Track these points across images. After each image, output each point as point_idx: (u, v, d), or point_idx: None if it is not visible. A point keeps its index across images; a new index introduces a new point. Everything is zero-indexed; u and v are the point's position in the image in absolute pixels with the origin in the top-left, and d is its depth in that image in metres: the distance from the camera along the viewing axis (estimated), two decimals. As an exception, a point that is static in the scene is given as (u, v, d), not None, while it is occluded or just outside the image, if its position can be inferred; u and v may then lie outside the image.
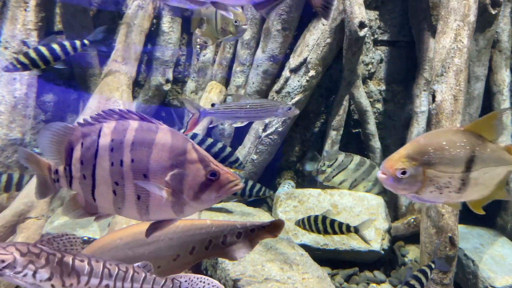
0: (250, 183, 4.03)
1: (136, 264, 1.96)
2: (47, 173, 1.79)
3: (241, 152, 4.46)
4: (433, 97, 3.26)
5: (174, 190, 1.63)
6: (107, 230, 3.53)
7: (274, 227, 2.37)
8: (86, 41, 3.36)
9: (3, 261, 1.71)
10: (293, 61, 4.19)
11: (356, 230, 3.42)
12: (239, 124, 3.12)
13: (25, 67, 3.16)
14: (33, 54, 3.20)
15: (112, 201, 1.69)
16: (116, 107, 1.73)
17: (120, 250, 2.23)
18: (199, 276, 2.02)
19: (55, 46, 3.24)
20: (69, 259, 1.80)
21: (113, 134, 1.66)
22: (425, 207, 3.26)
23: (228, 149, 3.69)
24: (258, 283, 2.94)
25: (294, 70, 4.19)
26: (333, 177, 4.37)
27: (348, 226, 3.44)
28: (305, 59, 4.13)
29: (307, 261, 3.27)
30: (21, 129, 3.84)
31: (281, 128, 4.34)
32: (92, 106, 3.82)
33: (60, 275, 1.78)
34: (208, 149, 3.62)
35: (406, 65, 4.55)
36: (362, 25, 3.68)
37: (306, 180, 4.80)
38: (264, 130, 4.36)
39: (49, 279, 1.77)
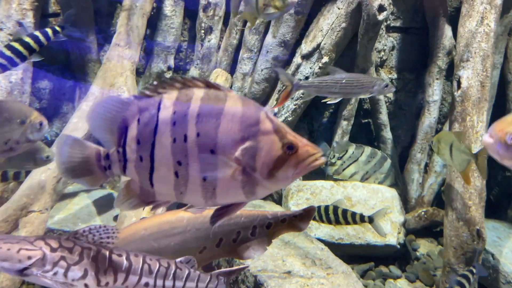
0: None
1: (179, 259, 1.76)
2: (96, 160, 1.52)
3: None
4: (458, 83, 3.12)
5: (245, 168, 1.38)
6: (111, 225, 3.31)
7: (306, 215, 2.20)
8: (57, 28, 3.07)
9: (29, 258, 1.48)
10: (305, 47, 4.01)
11: (371, 220, 3.23)
12: (332, 101, 2.90)
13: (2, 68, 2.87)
14: (7, 52, 2.91)
15: (173, 185, 1.43)
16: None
17: (144, 241, 2.04)
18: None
19: (28, 39, 2.95)
20: (105, 254, 1.60)
21: (175, 106, 1.41)
22: (448, 199, 3.14)
23: None
24: (281, 278, 2.78)
25: (306, 57, 4.00)
26: (344, 169, 4.23)
27: (362, 216, 3.24)
28: (319, 45, 3.95)
29: (329, 255, 3.12)
30: (16, 116, 3.55)
31: (290, 118, 4.17)
32: (95, 92, 3.57)
33: (95, 272, 1.57)
34: None
35: (418, 52, 4.42)
36: (381, 8, 3.53)
37: (312, 172, 4.64)
38: (273, 119, 4.18)
39: (83, 277, 1.55)
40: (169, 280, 1.70)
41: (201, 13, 4.40)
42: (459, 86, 3.14)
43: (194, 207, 2.05)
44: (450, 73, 4.20)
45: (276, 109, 3.27)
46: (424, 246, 4.06)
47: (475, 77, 3.03)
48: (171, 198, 1.48)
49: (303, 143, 1.38)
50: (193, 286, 1.75)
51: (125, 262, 1.62)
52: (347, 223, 3.32)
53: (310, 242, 3.27)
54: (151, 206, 1.55)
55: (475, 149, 3.02)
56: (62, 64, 4.23)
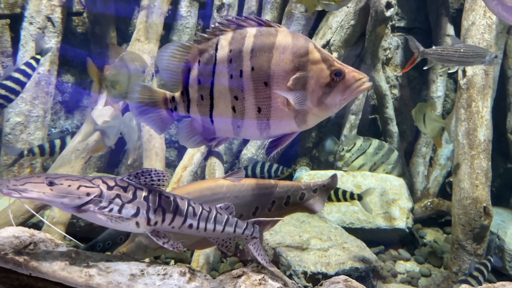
0: (266, 164, 4.00)
1: (219, 205, 1.89)
2: (163, 103, 1.67)
3: (258, 139, 4.45)
4: (464, 72, 3.33)
5: (298, 96, 1.50)
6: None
7: (332, 182, 2.36)
8: (38, 56, 3.30)
9: (88, 194, 1.59)
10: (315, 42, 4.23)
11: (360, 198, 3.38)
12: (450, 70, 3.07)
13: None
14: (2, 92, 3.12)
15: (231, 119, 1.58)
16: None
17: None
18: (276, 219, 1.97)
19: (17, 75, 3.17)
20: (155, 195, 1.70)
21: (231, 45, 1.54)
22: (456, 179, 3.31)
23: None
24: (300, 250, 2.93)
25: (316, 53, 4.22)
26: (352, 161, 4.40)
27: (351, 194, 3.40)
28: (328, 41, 4.17)
29: (343, 233, 3.28)
30: (43, 106, 3.72)
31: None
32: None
33: (146, 211, 1.67)
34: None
35: (422, 52, 4.65)
36: (388, 5, 3.77)
37: (321, 167, 4.81)
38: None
39: (135, 215, 1.66)
40: (211, 223, 1.82)
41: (215, 13, 4.63)
42: (464, 75, 3.35)
43: (234, 175, 2.18)
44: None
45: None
46: (430, 234, 4.21)
47: (479, 66, 3.25)
48: (230, 134, 1.63)
49: (349, 69, 1.52)
50: (231, 230, 1.88)
51: (172, 204, 1.73)
52: (338, 200, 3.47)
53: (324, 222, 3.42)
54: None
55: (481, 132, 3.22)
56: (83, 60, 4.41)
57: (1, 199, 3.13)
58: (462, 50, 2.89)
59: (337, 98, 1.52)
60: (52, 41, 3.84)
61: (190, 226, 1.79)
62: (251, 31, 1.55)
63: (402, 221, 3.80)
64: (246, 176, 3.84)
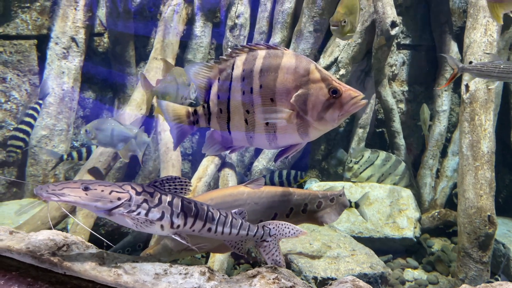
0: (284, 171, 4.16)
1: (234, 210, 2.05)
2: (186, 117, 1.88)
3: (270, 150, 4.62)
4: (467, 87, 3.49)
5: (299, 111, 1.69)
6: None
7: (344, 194, 2.50)
8: (40, 101, 3.77)
9: (119, 199, 1.75)
10: (324, 61, 4.42)
11: (357, 206, 3.49)
12: (491, 85, 3.22)
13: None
14: (21, 135, 3.51)
15: (245, 130, 1.78)
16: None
17: None
18: (284, 222, 2.12)
19: (28, 119, 3.60)
20: (178, 200, 1.86)
21: (244, 65, 1.76)
22: (461, 189, 3.44)
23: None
24: (310, 258, 3.06)
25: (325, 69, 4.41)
26: (361, 173, 4.54)
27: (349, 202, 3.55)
28: (336, 59, 4.37)
29: (352, 241, 3.41)
30: (67, 120, 3.95)
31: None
32: (137, 98, 3.97)
33: (170, 215, 1.83)
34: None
35: (427, 67, 4.83)
36: (393, 24, 3.95)
37: (330, 178, 4.96)
38: (294, 127, 4.53)
39: (160, 219, 1.82)
40: (227, 227, 1.98)
41: (228, 33, 4.85)
42: (467, 90, 3.51)
43: (254, 183, 2.36)
44: (457, 85, 4.59)
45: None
46: (438, 244, 4.32)
47: (482, 81, 3.40)
48: (244, 143, 1.83)
49: (346, 88, 1.71)
50: (244, 233, 2.04)
51: (193, 209, 1.90)
52: None
53: (333, 231, 3.56)
54: None
55: (484, 144, 3.36)
56: (104, 77, 4.66)
57: (28, 207, 3.34)
58: (502, 66, 3.00)
59: (335, 114, 1.70)
60: (76, 60, 4.09)
61: (209, 229, 1.95)
62: (261, 53, 1.77)
63: (409, 231, 3.92)
64: (266, 184, 4.02)
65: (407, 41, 4.81)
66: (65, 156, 3.66)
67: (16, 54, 4.10)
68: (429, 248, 4.21)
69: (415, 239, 3.91)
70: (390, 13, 3.93)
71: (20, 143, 3.40)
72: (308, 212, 2.43)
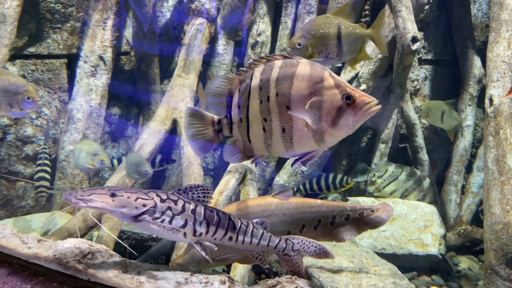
0: (330, 175, 4.08)
1: (255, 220, 2.06)
2: (211, 125, 1.94)
3: (290, 164, 4.63)
4: (491, 101, 3.45)
5: (314, 118, 1.72)
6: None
7: (384, 211, 2.46)
8: (47, 149, 4.03)
9: (144, 206, 1.80)
10: (345, 76, 4.45)
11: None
12: None
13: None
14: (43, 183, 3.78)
15: (263, 138, 1.82)
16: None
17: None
18: (310, 239, 2.10)
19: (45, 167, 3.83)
20: (201, 208, 1.90)
21: (261, 75, 1.81)
22: (487, 205, 3.37)
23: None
24: (332, 272, 3.03)
25: (346, 85, 4.43)
26: (384, 187, 4.50)
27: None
28: (357, 74, 4.38)
29: (374, 257, 3.36)
30: (94, 136, 4.09)
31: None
32: (161, 114, 4.07)
33: (193, 223, 1.87)
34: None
35: (450, 82, 4.79)
36: (414, 39, 3.96)
37: (352, 194, 4.92)
38: (315, 142, 4.54)
39: (183, 226, 1.86)
40: (248, 237, 2.00)
41: (249, 51, 4.95)
42: (491, 103, 3.46)
43: (282, 194, 2.38)
44: (481, 100, 4.54)
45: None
46: (464, 262, 4.20)
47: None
48: (263, 151, 1.86)
49: (359, 94, 1.73)
50: (265, 244, 2.04)
51: (215, 218, 1.93)
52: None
53: (355, 246, 3.52)
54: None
55: (510, 158, 3.30)
56: (130, 94, 4.80)
57: (58, 217, 3.43)
58: None
59: (349, 119, 1.72)
60: (103, 78, 4.25)
61: (230, 238, 1.97)
62: (277, 63, 1.82)
63: (434, 247, 3.84)
64: (311, 186, 4.00)
65: (429, 56, 4.80)
66: (115, 161, 3.81)
67: (47, 72, 4.29)
68: (455, 266, 4.10)
69: (440, 256, 3.82)
70: (411, 28, 3.95)
71: (47, 183, 3.61)
72: (336, 225, 2.40)
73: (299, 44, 2.50)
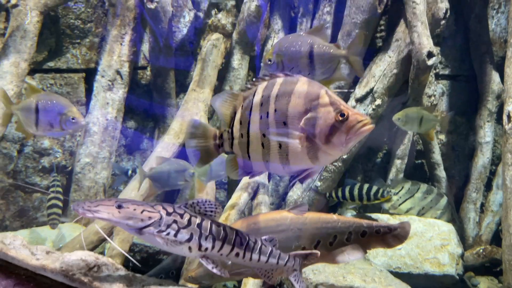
0: (365, 186, 3.97)
1: (264, 237, 2.04)
2: (213, 139, 1.97)
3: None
4: (509, 117, 3.37)
5: (308, 135, 1.74)
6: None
7: (402, 231, 2.40)
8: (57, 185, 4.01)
9: (150, 218, 1.80)
10: (359, 91, 4.41)
11: None
12: None
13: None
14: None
15: (261, 154, 1.83)
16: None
17: (252, 234, 2.29)
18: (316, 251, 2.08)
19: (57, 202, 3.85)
20: (207, 223, 1.89)
21: (263, 91, 1.85)
22: (506, 224, 3.26)
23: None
24: (343, 291, 2.97)
25: (360, 100, 4.39)
26: (400, 204, 4.40)
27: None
28: (371, 89, 4.34)
29: (388, 275, 3.27)
30: (109, 148, 4.15)
31: (345, 156, 4.48)
32: (175, 127, 4.11)
33: (198, 237, 1.86)
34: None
35: (468, 98, 4.70)
36: (430, 54, 3.91)
37: (368, 210, 4.83)
38: (329, 157, 4.49)
39: (188, 240, 1.84)
40: (256, 254, 1.97)
41: (263, 65, 4.97)
42: (509, 120, 3.38)
43: (297, 209, 2.36)
44: (500, 116, 4.41)
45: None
46: (484, 283, 4.06)
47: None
48: (262, 168, 1.87)
49: (353, 112, 1.73)
50: (274, 262, 2.01)
51: (222, 233, 1.90)
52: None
53: (369, 264, 3.44)
54: None
55: None
56: (146, 108, 4.87)
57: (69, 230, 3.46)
58: None
59: (342, 137, 1.72)
60: (120, 92, 4.33)
61: (237, 254, 1.93)
62: (279, 80, 1.86)
63: (451, 267, 3.72)
64: (344, 196, 3.93)
65: (446, 71, 4.73)
66: (130, 171, 3.85)
67: (66, 86, 4.39)
68: (474, 286, 3.97)
69: (457, 277, 3.70)
70: (427, 43, 3.90)
71: (59, 211, 3.66)
72: (352, 241, 2.35)
73: (270, 60, 2.54)
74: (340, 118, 1.70)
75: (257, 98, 1.85)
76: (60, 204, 3.65)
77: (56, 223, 3.51)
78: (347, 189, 3.98)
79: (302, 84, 1.79)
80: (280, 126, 1.78)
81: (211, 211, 1.91)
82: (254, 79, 1.93)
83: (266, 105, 1.81)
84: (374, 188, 3.96)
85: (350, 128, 1.70)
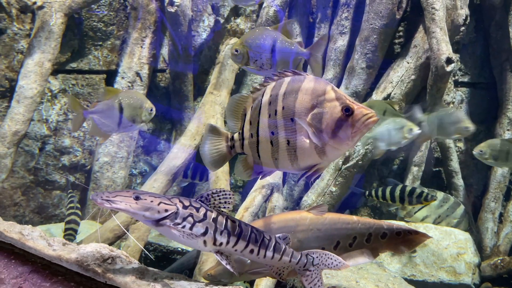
0: (408, 187, 3.83)
1: (277, 235, 2.04)
2: (225, 141, 2.02)
3: (319, 184, 4.57)
4: (528, 124, 3.31)
5: (315, 129, 1.77)
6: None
7: (421, 236, 2.37)
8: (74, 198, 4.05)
9: (166, 211, 1.81)
10: (376, 97, 4.40)
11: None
12: None
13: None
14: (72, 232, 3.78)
15: (271, 152, 1.87)
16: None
17: (272, 234, 2.30)
18: (327, 252, 2.06)
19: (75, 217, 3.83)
20: (223, 218, 1.89)
21: (272, 91, 1.89)
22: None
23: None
24: (355, 295, 2.94)
25: (377, 106, 4.38)
26: (415, 212, 4.35)
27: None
28: (389, 95, 4.33)
29: (402, 282, 3.24)
30: (127, 148, 4.23)
31: (361, 162, 4.45)
32: (192, 129, 4.17)
33: (213, 232, 1.86)
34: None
35: (487, 105, 4.63)
36: (449, 61, 3.88)
37: (383, 218, 4.78)
38: (344, 162, 4.48)
39: (204, 234, 1.85)
40: (270, 251, 1.95)
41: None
42: (528, 127, 3.32)
43: (317, 209, 2.36)
44: (521, 124, 4.34)
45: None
46: (502, 295, 3.96)
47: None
48: (271, 166, 1.90)
49: (358, 106, 1.76)
50: (287, 260, 2.01)
51: (237, 229, 1.90)
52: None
53: (382, 270, 3.40)
54: None
55: None
56: (164, 110, 4.95)
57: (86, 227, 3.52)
58: None
59: (348, 131, 1.76)
60: (139, 93, 4.42)
61: (251, 251, 1.93)
62: (286, 79, 1.89)
63: (467, 276, 3.65)
64: (384, 196, 3.85)
65: (466, 79, 4.68)
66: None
67: (87, 87, 4.51)
68: (491, 298, 3.88)
69: (473, 286, 3.62)
70: (445, 50, 3.87)
71: (77, 227, 3.68)
72: (372, 242, 2.32)
73: (236, 51, 2.61)
74: (346, 113, 1.74)
75: (266, 98, 1.89)
76: (79, 220, 3.68)
77: (72, 239, 3.56)
78: (388, 190, 3.87)
79: (309, 81, 1.84)
80: (288, 122, 1.82)
81: (225, 202, 1.91)
82: (263, 80, 1.96)
83: (274, 104, 1.85)
84: (418, 191, 3.77)
85: (355, 122, 1.74)
